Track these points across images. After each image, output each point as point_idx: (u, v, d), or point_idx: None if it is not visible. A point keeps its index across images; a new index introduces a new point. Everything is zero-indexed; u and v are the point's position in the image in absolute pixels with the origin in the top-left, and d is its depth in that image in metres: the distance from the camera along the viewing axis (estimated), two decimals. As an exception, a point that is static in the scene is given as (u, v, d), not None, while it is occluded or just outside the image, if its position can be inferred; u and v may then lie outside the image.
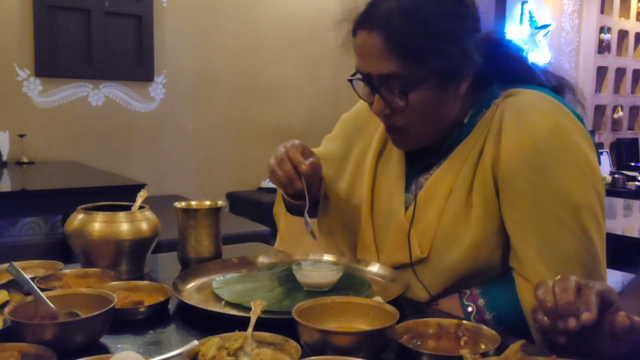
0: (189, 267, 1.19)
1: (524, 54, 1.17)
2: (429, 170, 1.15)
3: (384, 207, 1.19)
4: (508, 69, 1.13)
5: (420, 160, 1.17)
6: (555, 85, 1.15)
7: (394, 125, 1.09)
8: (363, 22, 1.05)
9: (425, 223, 1.10)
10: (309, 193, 1.14)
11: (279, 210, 1.37)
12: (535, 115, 1.03)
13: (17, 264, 0.94)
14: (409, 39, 0.99)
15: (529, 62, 1.17)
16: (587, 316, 0.72)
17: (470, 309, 1.06)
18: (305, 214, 1.13)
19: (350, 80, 1.12)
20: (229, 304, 1.01)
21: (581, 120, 1.08)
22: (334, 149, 1.35)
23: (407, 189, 1.17)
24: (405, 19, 1.00)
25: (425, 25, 1.00)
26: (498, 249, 1.06)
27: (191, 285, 1.11)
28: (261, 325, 0.82)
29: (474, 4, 1.07)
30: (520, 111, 1.05)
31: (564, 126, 1.04)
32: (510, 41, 1.18)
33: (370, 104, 1.09)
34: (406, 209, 1.15)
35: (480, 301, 1.05)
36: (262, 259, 1.25)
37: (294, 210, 1.30)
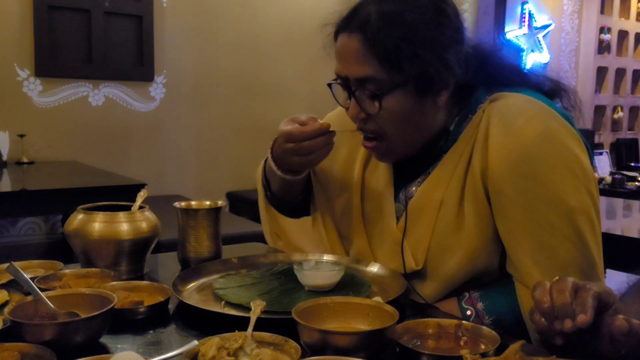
0: (189, 267, 1.19)
1: (521, 59, 1.17)
2: (417, 179, 1.14)
3: (375, 217, 1.19)
4: (498, 77, 1.12)
5: (408, 168, 1.16)
6: (550, 88, 1.14)
7: (369, 131, 1.08)
8: (344, 25, 1.05)
9: (418, 235, 1.10)
10: None
11: (268, 227, 1.38)
12: (521, 120, 1.01)
13: (17, 264, 0.94)
14: (386, 42, 0.99)
15: (525, 69, 1.16)
16: (582, 318, 0.72)
17: (469, 312, 1.05)
18: None
19: (330, 85, 1.11)
20: (229, 304, 1.01)
21: (570, 122, 1.06)
22: None
23: (396, 197, 1.17)
24: (384, 22, 1.00)
25: (403, 30, 1.00)
26: (495, 255, 1.06)
27: (191, 285, 1.11)
28: (261, 325, 0.82)
29: (458, 16, 1.06)
30: (506, 117, 1.03)
31: (552, 129, 1.01)
32: (505, 49, 1.17)
33: (347, 109, 1.09)
34: (398, 218, 1.14)
35: (480, 305, 1.05)
36: (262, 259, 1.25)
37: (276, 202, 1.30)
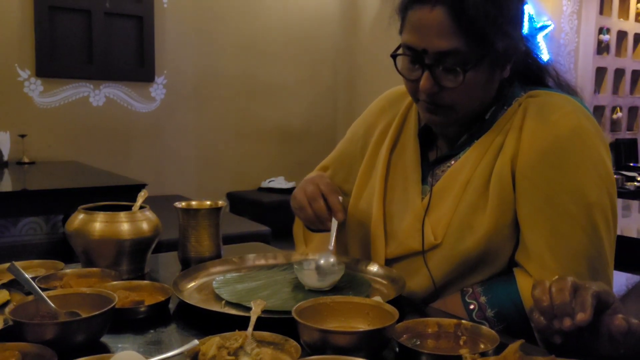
0: (190, 267, 1.19)
1: (540, 51, 1.19)
2: (445, 162, 1.17)
3: (399, 197, 1.21)
4: (527, 65, 1.15)
5: (435, 152, 1.19)
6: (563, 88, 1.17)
7: (439, 104, 1.07)
8: None
9: (441, 211, 1.12)
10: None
11: (298, 231, 1.38)
12: (558, 114, 1.06)
13: (18, 264, 0.94)
14: (480, 18, 0.99)
15: (543, 61, 1.19)
16: (581, 317, 0.72)
17: (472, 307, 1.07)
18: (331, 248, 1.14)
19: (394, 57, 1.08)
20: (229, 303, 1.01)
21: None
22: (345, 149, 1.38)
23: (424, 180, 1.19)
24: None
25: (498, 5, 1.00)
26: (509, 241, 1.08)
27: (191, 285, 1.11)
28: (261, 324, 0.82)
29: None
30: (543, 109, 1.08)
31: (585, 127, 1.06)
32: (530, 36, 1.19)
33: (412, 81, 1.07)
34: (421, 199, 1.17)
35: (482, 298, 1.07)
36: (262, 259, 1.25)
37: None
